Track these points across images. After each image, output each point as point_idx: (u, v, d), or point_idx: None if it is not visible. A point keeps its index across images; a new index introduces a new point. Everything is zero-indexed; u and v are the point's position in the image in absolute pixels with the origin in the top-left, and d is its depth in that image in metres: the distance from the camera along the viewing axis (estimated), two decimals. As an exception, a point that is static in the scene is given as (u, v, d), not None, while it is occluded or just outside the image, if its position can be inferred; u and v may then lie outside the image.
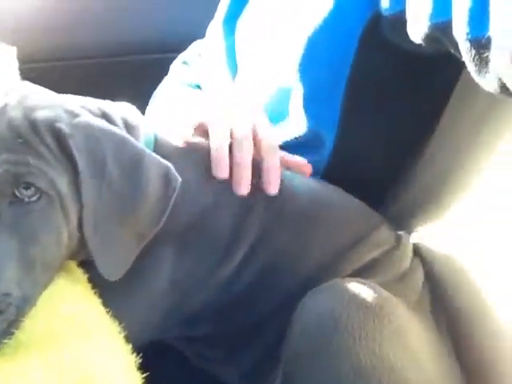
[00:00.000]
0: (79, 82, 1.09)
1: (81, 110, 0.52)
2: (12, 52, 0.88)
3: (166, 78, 0.93)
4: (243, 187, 0.60)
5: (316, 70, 0.70)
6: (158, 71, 0.92)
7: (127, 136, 0.53)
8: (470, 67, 0.49)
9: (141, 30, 1.18)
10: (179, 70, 0.94)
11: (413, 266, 0.67)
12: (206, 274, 0.59)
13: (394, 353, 0.53)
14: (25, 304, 0.46)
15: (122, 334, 0.50)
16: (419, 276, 0.67)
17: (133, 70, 1.14)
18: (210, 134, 0.62)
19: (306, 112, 0.72)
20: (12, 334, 0.44)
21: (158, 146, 0.59)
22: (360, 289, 0.56)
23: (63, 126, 0.48)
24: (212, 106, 0.66)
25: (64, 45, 1.14)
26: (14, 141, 0.47)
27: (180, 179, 0.54)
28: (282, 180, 0.63)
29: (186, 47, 0.98)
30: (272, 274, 0.61)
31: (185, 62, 0.96)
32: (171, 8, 1.20)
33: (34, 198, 0.47)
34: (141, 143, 0.56)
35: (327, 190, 0.69)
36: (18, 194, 0.47)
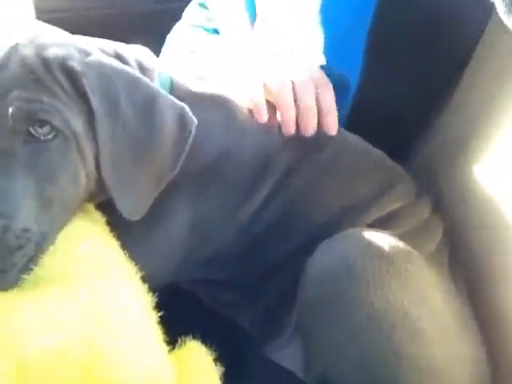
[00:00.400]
0: (92, 31, 1.08)
1: (93, 49, 0.51)
2: (28, 3, 0.88)
3: (179, 23, 0.92)
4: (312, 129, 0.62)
5: (338, 13, 0.69)
6: (170, 20, 0.91)
7: (140, 76, 0.52)
8: (500, 8, 0.47)
9: None
10: (196, 14, 0.92)
11: (432, 219, 0.67)
12: (225, 215, 0.59)
13: (408, 301, 0.53)
14: (43, 240, 0.47)
15: (139, 275, 0.51)
16: (438, 229, 0.66)
17: (144, 20, 1.13)
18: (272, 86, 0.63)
19: (328, 56, 0.70)
20: (31, 269, 0.45)
21: (174, 89, 0.58)
22: (376, 238, 0.55)
23: (75, 64, 0.48)
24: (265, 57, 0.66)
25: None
26: (26, 78, 0.46)
27: (196, 121, 0.53)
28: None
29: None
30: (291, 217, 0.61)
31: (202, 5, 0.94)
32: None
33: (50, 137, 0.47)
34: (157, 84, 0.56)
35: (353, 138, 0.68)
36: (32, 131, 0.46)
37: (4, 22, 0.81)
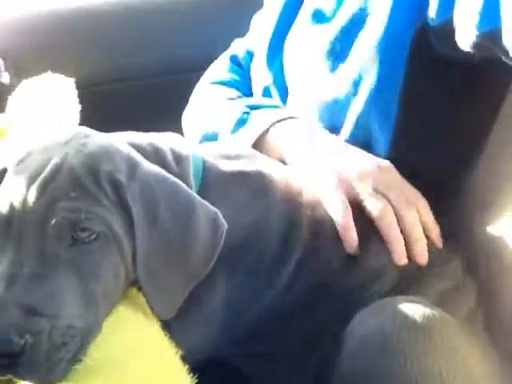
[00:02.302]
0: (124, 104, 1.16)
1: (138, 156, 0.55)
2: (71, 83, 0.94)
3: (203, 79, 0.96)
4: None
5: (370, 85, 0.71)
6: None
7: (180, 184, 0.56)
8: None
9: (179, 49, 1.23)
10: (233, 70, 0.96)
11: (466, 277, 0.67)
12: (256, 290, 0.61)
13: (447, 372, 0.53)
14: (88, 334, 0.50)
15: (179, 355, 0.53)
16: (472, 287, 0.66)
17: (173, 89, 1.19)
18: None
19: (360, 126, 0.73)
20: (79, 360, 0.48)
21: (207, 172, 0.62)
22: (411, 308, 0.56)
23: (122, 178, 0.52)
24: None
25: (106, 69, 1.21)
26: (73, 189, 0.50)
27: (226, 226, 0.56)
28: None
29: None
30: (320, 289, 0.62)
31: (235, 59, 0.97)
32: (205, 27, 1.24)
33: (92, 238, 0.50)
34: (190, 171, 0.60)
35: None
36: (75, 236, 0.50)
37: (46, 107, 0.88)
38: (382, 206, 0.64)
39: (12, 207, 0.50)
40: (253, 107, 0.82)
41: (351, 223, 0.64)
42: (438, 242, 0.66)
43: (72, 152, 0.53)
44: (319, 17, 0.81)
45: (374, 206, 0.64)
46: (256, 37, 0.93)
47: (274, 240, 0.62)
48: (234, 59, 0.97)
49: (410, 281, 0.63)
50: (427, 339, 0.54)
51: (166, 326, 0.55)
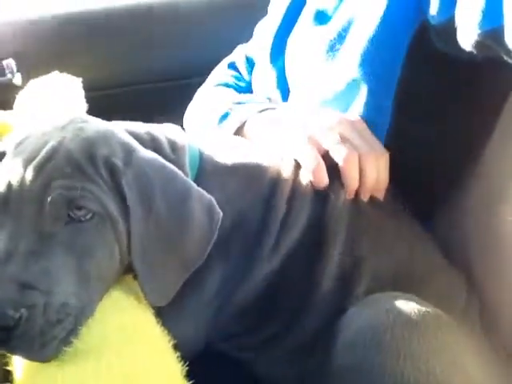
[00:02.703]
0: (128, 108, 1.17)
1: (134, 142, 0.56)
2: (78, 84, 0.95)
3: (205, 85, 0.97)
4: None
5: (368, 82, 0.72)
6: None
7: (176, 171, 0.56)
8: None
9: (183, 54, 1.25)
10: (225, 73, 0.98)
11: (458, 276, 0.66)
12: (246, 278, 0.61)
13: (441, 369, 0.52)
14: (82, 314, 0.50)
15: (171, 343, 0.53)
16: (464, 288, 0.66)
17: (177, 94, 1.20)
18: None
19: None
20: (71, 342, 0.49)
21: (203, 162, 0.63)
22: (405, 304, 0.56)
23: (118, 162, 0.53)
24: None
25: (124, 72, 1.24)
26: (69, 168, 0.51)
27: (221, 213, 0.57)
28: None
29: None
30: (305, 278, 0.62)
31: (233, 66, 0.99)
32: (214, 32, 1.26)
33: (88, 217, 0.51)
34: (185, 160, 0.60)
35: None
36: (72, 214, 0.51)
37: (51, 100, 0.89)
38: (346, 152, 0.65)
39: (9, 186, 0.51)
40: (239, 103, 0.85)
41: (323, 174, 0.65)
42: (381, 196, 0.67)
43: (69, 136, 0.54)
44: (321, 17, 0.83)
45: (339, 153, 0.66)
46: (258, 42, 0.95)
47: (261, 230, 0.62)
48: (231, 65, 1.00)
49: (404, 279, 0.63)
50: (421, 336, 0.53)
51: (160, 314, 0.55)
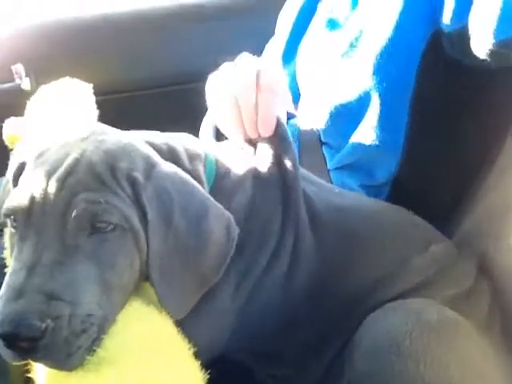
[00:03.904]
0: (143, 111, 1.18)
1: (154, 155, 0.56)
2: (89, 89, 0.95)
3: None
4: None
5: (381, 90, 0.72)
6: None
7: (195, 186, 0.57)
8: None
9: (196, 59, 1.25)
10: None
11: (478, 282, 0.66)
12: (259, 278, 0.61)
13: (460, 375, 0.53)
14: (105, 323, 0.51)
15: (192, 351, 0.53)
16: (486, 293, 0.66)
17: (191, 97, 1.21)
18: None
19: (371, 134, 0.74)
20: (94, 350, 0.49)
21: (219, 170, 0.63)
22: (424, 311, 0.56)
23: (139, 176, 0.53)
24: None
25: (134, 76, 1.24)
26: (92, 182, 0.51)
27: (238, 230, 0.57)
28: (317, 198, 0.65)
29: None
30: (322, 292, 0.62)
31: None
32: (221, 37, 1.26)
33: (110, 228, 0.51)
34: (202, 170, 0.61)
35: (373, 207, 0.69)
36: (94, 226, 0.51)
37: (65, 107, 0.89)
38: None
39: (32, 199, 0.51)
40: None
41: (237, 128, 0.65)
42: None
43: (90, 148, 0.54)
44: (333, 24, 0.83)
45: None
46: (269, 53, 0.96)
47: (274, 232, 0.62)
48: None
49: (420, 285, 0.63)
50: (441, 342, 0.54)
51: (179, 322, 0.55)
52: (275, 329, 0.63)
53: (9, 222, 0.53)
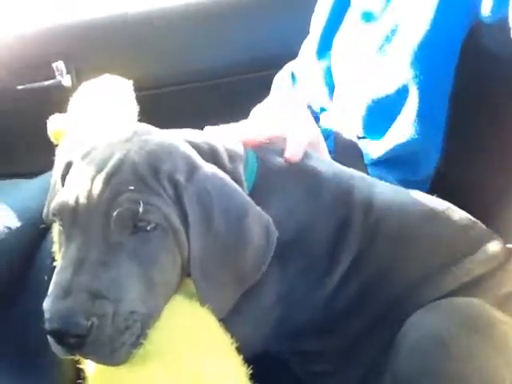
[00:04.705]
0: (189, 105, 1.19)
1: (196, 156, 0.57)
2: (129, 85, 0.97)
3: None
4: None
5: (419, 83, 0.71)
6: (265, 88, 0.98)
7: (235, 188, 0.57)
8: None
9: (246, 49, 1.26)
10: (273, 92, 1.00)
11: None
12: (307, 289, 0.62)
13: (510, 378, 0.52)
14: (149, 319, 0.52)
15: (234, 346, 0.54)
16: None
17: (241, 89, 1.21)
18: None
19: (410, 128, 0.73)
20: (140, 344, 0.51)
21: (261, 169, 0.63)
22: (469, 309, 0.55)
23: (181, 178, 0.54)
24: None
25: (173, 71, 1.25)
26: (135, 182, 0.53)
27: (277, 232, 0.57)
28: (372, 198, 0.65)
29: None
30: (370, 290, 0.63)
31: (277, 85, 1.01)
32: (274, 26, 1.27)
33: (151, 227, 0.53)
34: (241, 169, 0.61)
35: (424, 204, 0.68)
36: (137, 225, 0.52)
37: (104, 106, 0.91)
38: None
39: (78, 199, 0.53)
40: None
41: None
42: None
43: (134, 148, 0.55)
44: (368, 17, 0.82)
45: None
46: (304, 49, 0.96)
47: (326, 240, 0.62)
48: (277, 86, 1.01)
49: (469, 285, 0.62)
50: (487, 343, 0.53)
51: (221, 319, 0.56)
52: (315, 329, 0.63)
53: (57, 220, 0.55)
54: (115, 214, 0.51)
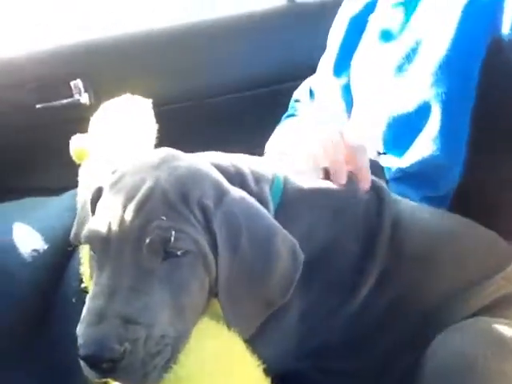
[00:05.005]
0: (211, 118, 1.20)
1: (223, 181, 0.58)
2: (148, 104, 0.98)
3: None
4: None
5: (442, 101, 0.71)
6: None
7: (262, 212, 0.58)
8: None
9: (268, 63, 1.28)
10: (293, 107, 1.01)
11: None
12: (331, 308, 0.62)
13: None
14: (179, 342, 0.53)
15: (261, 367, 0.55)
16: None
17: (263, 101, 1.23)
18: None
19: (433, 144, 0.73)
20: (171, 368, 0.51)
21: (286, 192, 0.64)
22: (497, 330, 0.55)
23: (210, 204, 0.55)
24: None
25: (192, 86, 1.27)
26: (166, 210, 0.54)
27: (303, 255, 0.58)
28: (399, 216, 0.65)
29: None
30: (397, 307, 0.63)
31: (296, 100, 1.02)
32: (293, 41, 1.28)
33: (182, 254, 0.53)
34: (267, 191, 0.62)
35: (449, 224, 0.68)
36: (168, 252, 0.53)
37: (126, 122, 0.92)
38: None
39: (110, 226, 0.54)
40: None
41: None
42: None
43: (163, 175, 0.56)
44: (387, 36, 0.83)
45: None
46: (321, 66, 0.97)
47: (350, 260, 0.63)
48: (296, 100, 1.03)
49: (500, 303, 0.62)
50: None
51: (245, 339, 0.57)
52: (339, 347, 0.64)
53: (89, 247, 0.56)
54: (147, 241, 0.52)
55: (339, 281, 0.62)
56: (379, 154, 0.82)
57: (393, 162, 0.80)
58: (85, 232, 0.55)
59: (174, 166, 0.57)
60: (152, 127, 0.95)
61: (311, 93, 1.00)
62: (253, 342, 0.57)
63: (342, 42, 0.92)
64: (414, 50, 0.76)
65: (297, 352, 0.63)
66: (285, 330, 0.62)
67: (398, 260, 0.63)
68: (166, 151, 0.60)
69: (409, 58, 0.77)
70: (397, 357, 0.63)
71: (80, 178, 0.80)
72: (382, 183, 0.72)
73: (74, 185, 0.80)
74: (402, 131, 0.77)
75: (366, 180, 0.67)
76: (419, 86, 0.73)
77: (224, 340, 0.55)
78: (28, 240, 0.68)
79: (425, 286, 0.63)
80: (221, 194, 0.56)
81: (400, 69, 0.78)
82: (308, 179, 0.67)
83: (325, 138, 0.69)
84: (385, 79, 0.80)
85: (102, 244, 0.54)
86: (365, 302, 0.63)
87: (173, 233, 0.52)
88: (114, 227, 0.53)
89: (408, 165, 0.76)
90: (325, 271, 0.62)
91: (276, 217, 0.60)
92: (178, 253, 0.53)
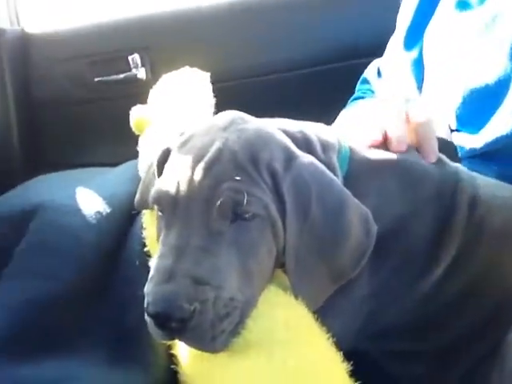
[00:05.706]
0: (265, 97, 1.19)
1: (292, 146, 0.56)
2: (206, 78, 0.97)
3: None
4: None
5: None
6: (351, 77, 0.98)
7: (333, 178, 0.56)
8: None
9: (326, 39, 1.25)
10: (360, 87, 0.98)
11: None
12: (403, 286, 0.59)
13: None
14: (247, 307, 0.51)
15: (331, 340, 0.53)
16: None
17: (322, 79, 1.20)
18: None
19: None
20: (239, 333, 0.50)
21: (353, 159, 0.61)
22: None
23: (278, 167, 0.53)
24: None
25: (249, 63, 1.25)
26: (236, 171, 0.52)
27: (376, 226, 0.55)
28: (477, 193, 0.62)
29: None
30: (473, 290, 0.59)
31: (364, 81, 0.99)
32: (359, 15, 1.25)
33: (250, 217, 0.52)
34: (335, 160, 0.59)
35: None
36: (237, 214, 0.52)
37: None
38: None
39: (178, 186, 0.53)
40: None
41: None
42: None
43: (232, 137, 0.54)
44: (464, 6, 0.79)
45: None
46: (389, 55, 0.94)
47: (425, 237, 0.59)
48: (364, 80, 1.00)
49: None
50: None
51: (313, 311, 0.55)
52: (410, 329, 0.61)
53: (156, 207, 0.55)
54: (218, 202, 0.51)
55: (411, 258, 0.59)
56: (452, 131, 0.79)
57: (467, 140, 0.76)
58: (152, 192, 0.54)
59: (243, 128, 0.56)
60: (210, 100, 0.95)
61: (379, 73, 0.97)
62: (321, 315, 0.54)
63: (414, 15, 0.88)
64: (494, 19, 0.72)
65: (364, 331, 0.60)
66: (354, 306, 0.59)
67: (477, 238, 0.60)
68: (234, 113, 0.58)
69: (488, 27, 0.73)
70: (466, 345, 0.60)
71: (140, 148, 0.79)
72: (456, 161, 0.68)
73: (129, 160, 0.81)
74: (478, 106, 0.73)
75: (433, 153, 0.64)
76: (500, 57, 0.69)
77: (292, 308, 0.53)
78: (92, 203, 0.68)
79: (503, 265, 0.60)
80: (290, 157, 0.54)
81: (479, 38, 0.74)
82: (376, 151, 0.64)
83: (391, 110, 0.66)
84: (462, 50, 0.76)
85: (170, 204, 0.52)
86: (437, 284, 0.59)
87: (245, 195, 0.51)
88: (183, 187, 0.52)
89: (485, 142, 0.73)
90: (396, 247, 0.59)
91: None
92: (247, 216, 0.51)
